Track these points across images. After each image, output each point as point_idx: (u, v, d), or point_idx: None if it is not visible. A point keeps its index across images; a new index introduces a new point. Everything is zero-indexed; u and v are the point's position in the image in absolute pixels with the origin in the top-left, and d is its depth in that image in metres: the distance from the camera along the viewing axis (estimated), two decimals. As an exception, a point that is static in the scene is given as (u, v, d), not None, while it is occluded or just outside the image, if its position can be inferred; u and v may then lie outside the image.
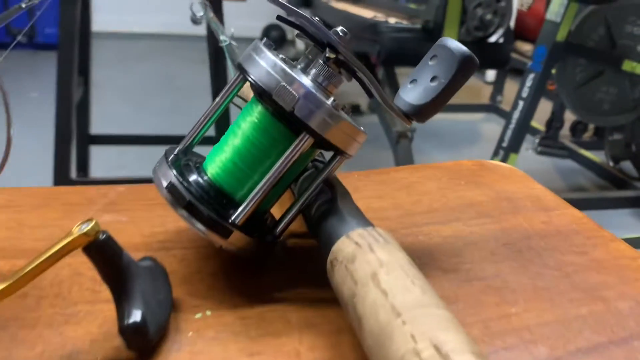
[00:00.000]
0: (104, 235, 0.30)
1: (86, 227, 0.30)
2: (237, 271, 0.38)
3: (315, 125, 0.34)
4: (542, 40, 2.18)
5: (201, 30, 1.66)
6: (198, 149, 0.42)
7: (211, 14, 1.07)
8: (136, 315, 0.30)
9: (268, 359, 0.31)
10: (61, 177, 1.56)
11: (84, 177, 1.87)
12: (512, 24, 3.04)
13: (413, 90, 0.41)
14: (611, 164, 2.64)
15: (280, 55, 0.37)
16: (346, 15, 2.34)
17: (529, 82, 2.16)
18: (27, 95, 2.96)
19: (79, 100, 1.74)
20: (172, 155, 0.38)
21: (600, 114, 2.42)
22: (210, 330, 0.33)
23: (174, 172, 0.36)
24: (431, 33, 1.90)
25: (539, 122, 2.79)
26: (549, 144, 2.84)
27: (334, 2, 2.57)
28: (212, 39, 1.62)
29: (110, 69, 3.24)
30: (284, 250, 0.41)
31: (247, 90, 0.41)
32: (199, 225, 0.35)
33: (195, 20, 1.12)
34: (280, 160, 0.35)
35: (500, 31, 2.37)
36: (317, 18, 0.38)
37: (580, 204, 2.19)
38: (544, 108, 2.61)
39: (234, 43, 0.85)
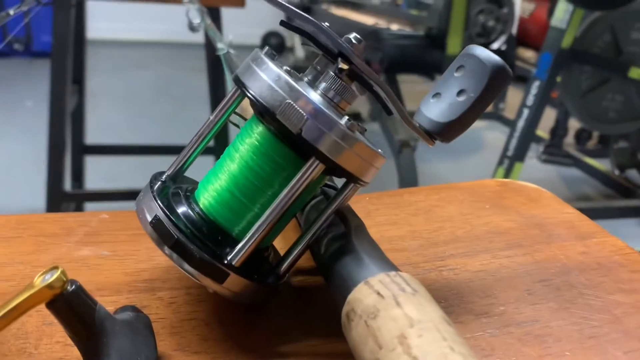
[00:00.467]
0: (73, 287, 0.25)
1: (50, 278, 0.24)
2: (235, 318, 0.33)
3: (327, 149, 0.29)
4: (547, 47, 2.13)
5: (199, 37, 1.61)
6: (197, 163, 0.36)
7: (208, 21, 1.02)
8: (110, 386, 0.24)
9: None
10: (54, 189, 1.50)
11: (78, 189, 1.82)
12: (514, 30, 3.00)
13: (437, 105, 0.35)
14: (617, 172, 2.59)
15: (285, 67, 0.31)
16: (347, 22, 2.29)
17: (534, 90, 2.11)
18: (22, 103, 2.91)
19: (73, 109, 1.69)
20: (159, 183, 0.33)
21: (606, 121, 2.37)
22: (203, 397, 0.27)
23: (160, 204, 0.30)
24: (435, 40, 1.85)
25: (542, 130, 2.74)
26: (553, 152, 2.79)
27: (334, 8, 2.53)
28: (210, 46, 1.57)
29: (106, 77, 3.19)
30: (290, 291, 0.36)
31: (246, 107, 0.36)
32: (189, 268, 0.29)
33: (192, 28, 1.07)
34: (285, 191, 0.30)
35: (503, 38, 2.33)
36: (326, 24, 0.33)
37: (586, 214, 2.14)
38: (548, 116, 2.56)
39: (232, 51, 0.80)
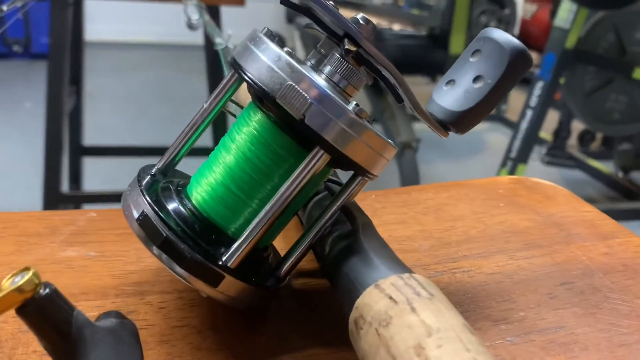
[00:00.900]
0: (47, 291, 0.22)
1: (20, 280, 0.22)
2: (231, 324, 0.30)
3: (333, 138, 0.26)
4: (551, 48, 2.10)
5: (198, 39, 1.59)
6: (188, 163, 0.34)
7: (207, 17, 0.99)
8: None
9: None
10: (51, 190, 1.48)
11: (76, 190, 1.79)
12: (516, 32, 2.98)
13: (450, 93, 0.33)
14: (620, 174, 2.56)
15: (286, 48, 0.29)
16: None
17: (537, 91, 2.09)
18: (21, 105, 2.89)
19: (71, 110, 1.66)
20: (148, 177, 0.30)
21: (610, 123, 2.34)
22: (194, 414, 0.24)
23: (147, 199, 0.28)
24: (437, 40, 1.82)
25: (545, 131, 2.72)
26: (557, 154, 2.76)
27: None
28: (209, 48, 1.54)
29: (105, 78, 3.16)
30: (291, 295, 0.33)
31: (243, 94, 0.33)
32: (179, 269, 0.26)
33: (191, 26, 1.04)
34: (287, 184, 0.27)
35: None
36: (331, 2, 0.30)
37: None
38: (551, 117, 2.53)
39: (230, 46, 0.77)
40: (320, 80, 0.28)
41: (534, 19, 3.68)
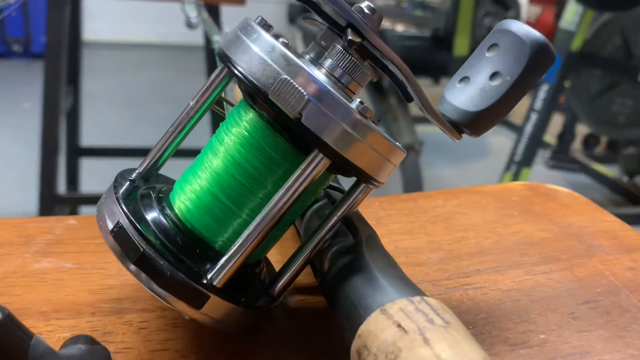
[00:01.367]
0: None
1: (-33, 304, 0.18)
2: (218, 347, 0.27)
3: (333, 140, 0.23)
4: (556, 50, 2.05)
5: (197, 39, 1.56)
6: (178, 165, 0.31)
7: (205, 15, 0.96)
8: None
9: None
10: (47, 192, 1.45)
11: (73, 192, 1.76)
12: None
13: (464, 91, 0.29)
14: (625, 179, 2.53)
15: (281, 39, 0.26)
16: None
17: (542, 94, 2.05)
18: (19, 105, 2.86)
19: (68, 110, 1.63)
20: (126, 183, 0.27)
21: (615, 126, 2.31)
22: None
23: (123, 207, 0.24)
24: (441, 41, 1.79)
25: (549, 135, 2.68)
26: (561, 157, 2.73)
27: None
28: (209, 48, 1.51)
29: (103, 79, 3.14)
30: (285, 314, 0.30)
31: (235, 91, 0.30)
32: (158, 289, 0.23)
33: (189, 24, 1.01)
34: (281, 192, 0.24)
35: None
36: (333, -10, 0.27)
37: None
38: (555, 121, 2.50)
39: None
40: (319, 74, 0.25)
41: (538, 21, 3.65)
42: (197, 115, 0.28)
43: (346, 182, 0.30)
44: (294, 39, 3.71)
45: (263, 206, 0.24)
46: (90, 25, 2.02)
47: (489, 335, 0.29)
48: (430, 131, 3.00)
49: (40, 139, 1.43)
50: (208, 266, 0.24)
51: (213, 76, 0.27)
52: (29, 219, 0.36)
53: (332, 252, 0.27)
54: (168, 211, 0.26)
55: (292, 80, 0.22)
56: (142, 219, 0.25)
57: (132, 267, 0.23)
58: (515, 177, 2.12)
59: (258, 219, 0.24)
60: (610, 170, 2.59)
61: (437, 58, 1.80)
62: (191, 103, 0.28)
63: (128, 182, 0.27)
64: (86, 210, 1.81)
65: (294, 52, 0.26)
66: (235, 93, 0.30)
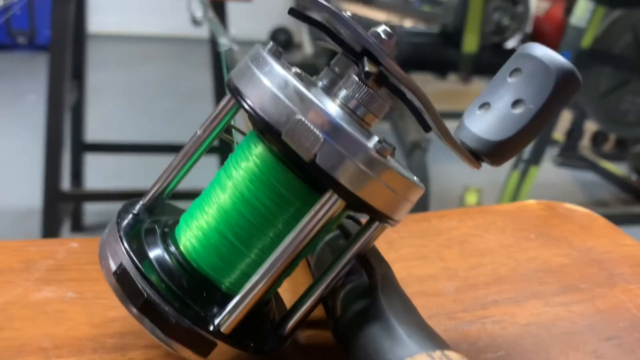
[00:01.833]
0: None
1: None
2: (226, 390, 0.26)
3: (349, 181, 0.21)
4: (566, 47, 2.04)
5: (204, 32, 1.54)
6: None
7: (211, 14, 0.95)
8: None
9: None
10: (51, 189, 1.44)
11: (77, 188, 1.75)
12: (529, 29, 2.91)
13: (485, 118, 0.28)
14: (634, 177, 2.50)
15: (294, 69, 0.24)
16: (357, 18, 2.20)
17: (551, 91, 2.02)
18: (24, 98, 2.85)
19: (72, 105, 1.62)
20: (129, 217, 0.26)
21: (625, 124, 2.28)
22: None
23: (126, 247, 0.23)
24: (450, 38, 1.77)
25: (557, 131, 2.66)
26: (569, 155, 2.70)
27: (343, 3, 2.44)
28: (215, 41, 1.49)
29: (108, 72, 3.12)
30: (296, 351, 0.28)
31: (245, 119, 0.28)
32: (163, 336, 0.22)
33: (195, 21, 1.00)
34: (293, 235, 0.22)
35: (518, 36, 2.25)
36: (348, 13, 0.25)
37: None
38: (563, 118, 2.48)
39: (235, 48, 0.73)
40: (334, 107, 0.23)
41: (547, 15, 3.60)
42: (204, 145, 0.26)
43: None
44: (300, 33, 3.69)
45: (273, 246, 0.23)
46: (95, 17, 2.00)
47: (508, 376, 0.27)
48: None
49: (45, 136, 1.42)
50: (215, 310, 0.23)
51: (222, 104, 0.26)
52: (29, 242, 0.35)
53: (346, 292, 0.25)
54: (173, 248, 0.25)
55: (306, 121, 0.21)
56: (145, 258, 0.24)
57: (135, 311, 0.22)
58: (523, 176, 2.10)
59: (269, 261, 0.23)
60: (618, 168, 2.57)
61: (445, 55, 1.77)
62: (198, 132, 0.26)
63: (131, 217, 0.26)
64: (90, 207, 1.81)
65: (308, 80, 0.25)
66: (246, 121, 0.29)
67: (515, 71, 0.28)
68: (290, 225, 0.23)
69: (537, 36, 3.50)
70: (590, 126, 2.71)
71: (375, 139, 0.22)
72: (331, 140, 0.21)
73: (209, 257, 0.24)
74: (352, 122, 0.23)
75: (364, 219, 0.26)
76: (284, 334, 0.25)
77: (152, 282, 0.22)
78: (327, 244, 0.29)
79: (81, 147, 1.79)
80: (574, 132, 2.70)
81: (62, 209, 1.51)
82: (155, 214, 0.27)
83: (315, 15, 0.26)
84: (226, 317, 0.23)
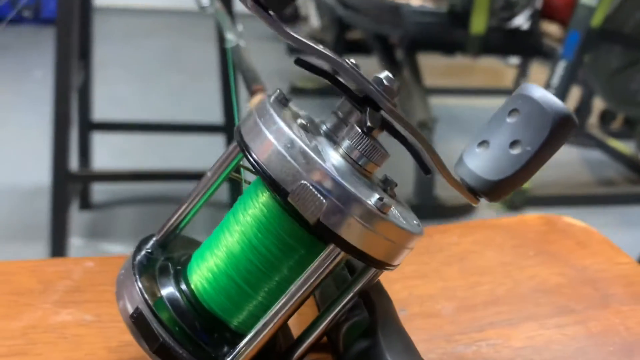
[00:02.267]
0: None
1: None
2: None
3: (350, 237, 0.23)
4: (575, 26, 2.02)
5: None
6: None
7: (218, 4, 0.95)
8: None
9: None
10: (59, 170, 1.45)
11: (85, 168, 1.77)
12: (538, 4, 2.87)
13: (483, 157, 0.29)
14: (642, 155, 2.50)
15: (299, 120, 0.25)
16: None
17: (560, 71, 2.02)
18: (30, 73, 2.86)
19: (80, 86, 1.62)
20: (143, 254, 0.27)
21: (634, 104, 2.27)
22: None
23: (142, 290, 0.25)
24: (458, 17, 1.75)
25: (565, 109, 2.64)
26: (576, 133, 2.69)
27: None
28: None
29: (115, 46, 3.11)
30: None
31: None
32: (177, 376, 0.24)
33: (201, 8, 1.00)
34: (298, 283, 0.24)
35: (527, 12, 2.22)
36: (352, 61, 0.26)
37: (608, 200, 2.07)
38: (571, 94, 2.46)
39: (242, 44, 0.73)
40: (337, 159, 0.25)
41: (557, -10, 3.55)
42: (214, 186, 0.28)
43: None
44: (307, 6, 3.65)
45: (280, 289, 0.25)
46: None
47: (501, 403, 0.29)
48: (444, 104, 2.97)
49: (53, 117, 1.43)
50: (225, 349, 0.25)
51: (230, 149, 0.27)
52: (46, 262, 0.37)
53: (348, 327, 0.27)
54: (184, 287, 0.26)
55: (311, 187, 0.22)
56: (159, 298, 0.25)
57: (151, 352, 0.24)
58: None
59: (277, 306, 0.24)
60: (626, 147, 2.56)
61: (453, 35, 1.76)
62: (208, 174, 0.28)
63: (146, 256, 0.27)
64: (97, 187, 1.83)
65: (313, 126, 0.26)
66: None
67: (513, 111, 0.29)
68: (295, 270, 0.25)
69: (547, 12, 3.45)
70: (599, 104, 2.69)
71: (376, 196, 0.23)
72: (335, 200, 0.22)
73: (219, 299, 0.26)
74: (354, 173, 0.25)
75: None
76: (292, 365, 0.27)
77: (167, 326, 0.24)
78: (333, 282, 0.30)
79: (88, 126, 1.80)
80: (582, 110, 2.69)
81: (70, 189, 1.53)
82: (169, 249, 0.29)
83: (320, 63, 0.27)
84: (236, 358, 0.24)
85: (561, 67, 2.01)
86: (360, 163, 0.25)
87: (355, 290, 0.26)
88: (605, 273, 0.39)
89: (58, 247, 1.48)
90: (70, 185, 1.52)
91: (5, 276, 0.35)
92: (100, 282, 0.35)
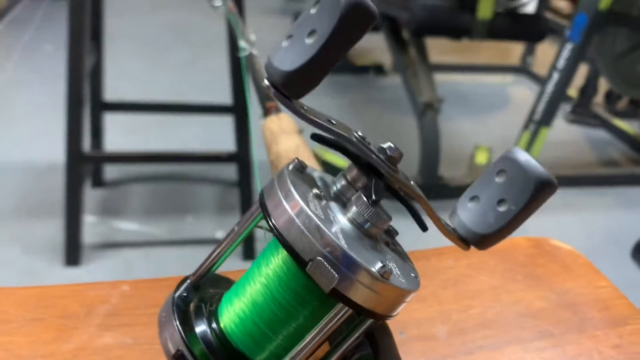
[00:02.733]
0: None
1: None
2: None
3: (357, 298, 0.27)
4: (583, 8, 2.02)
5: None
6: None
7: (230, 3, 0.98)
8: None
9: None
10: (73, 151, 1.50)
11: (97, 150, 1.81)
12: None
13: (474, 211, 0.33)
14: (646, 136, 2.52)
15: (314, 190, 0.29)
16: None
17: (566, 53, 2.03)
18: (41, 48, 2.88)
19: (92, 67, 1.66)
20: (181, 295, 0.32)
21: (638, 86, 2.28)
22: None
23: (182, 334, 0.29)
24: (465, 2, 1.77)
25: (572, 87, 2.66)
26: (581, 112, 2.71)
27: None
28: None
29: (123, 19, 3.12)
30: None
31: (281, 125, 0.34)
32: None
33: (213, 7, 1.02)
34: (312, 334, 0.28)
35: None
36: (359, 133, 0.30)
37: (611, 180, 2.10)
38: (578, 73, 2.47)
39: (254, 52, 0.77)
40: (346, 224, 0.29)
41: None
42: (240, 238, 0.32)
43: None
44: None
45: (298, 333, 0.29)
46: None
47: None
48: (450, 81, 2.99)
49: (66, 99, 1.47)
50: (250, 384, 0.30)
51: (254, 208, 0.31)
52: (86, 285, 0.41)
53: (354, 360, 0.32)
54: (215, 326, 0.31)
55: (326, 263, 0.26)
56: (194, 335, 0.30)
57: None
58: (534, 137, 2.13)
59: (295, 350, 0.29)
60: (631, 127, 2.58)
61: (460, 20, 1.77)
62: (235, 229, 0.32)
63: (182, 299, 0.32)
64: (109, 166, 1.88)
65: (326, 191, 0.30)
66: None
67: (501, 172, 0.33)
68: (310, 318, 0.29)
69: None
70: (605, 83, 2.70)
71: (379, 264, 0.27)
72: (345, 271, 0.27)
73: (245, 340, 0.30)
74: (360, 236, 0.29)
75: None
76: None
77: (202, 365, 0.29)
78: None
79: (100, 106, 1.84)
80: (588, 89, 2.70)
81: (84, 169, 1.58)
82: (201, 288, 0.33)
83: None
84: (262, 392, 0.29)
85: (567, 49, 2.02)
86: (365, 227, 0.29)
87: (361, 331, 0.31)
88: (585, 297, 0.44)
89: (72, 225, 1.54)
90: (84, 166, 1.57)
91: (53, 300, 0.40)
92: (135, 305, 0.40)
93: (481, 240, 0.33)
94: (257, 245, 1.56)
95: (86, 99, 1.54)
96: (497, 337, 0.40)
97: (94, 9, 1.60)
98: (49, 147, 1.90)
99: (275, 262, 0.30)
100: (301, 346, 0.28)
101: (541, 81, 2.14)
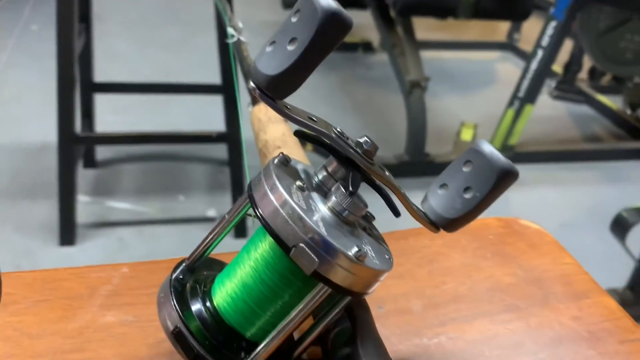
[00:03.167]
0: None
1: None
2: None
3: (335, 279, 0.31)
4: (568, -15, 2.04)
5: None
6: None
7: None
8: None
9: None
10: (65, 133, 1.52)
11: (90, 131, 1.83)
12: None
13: (443, 198, 0.37)
14: (628, 111, 2.57)
15: (297, 183, 0.33)
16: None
17: (550, 30, 2.05)
18: (27, 28, 2.86)
19: (81, 49, 1.66)
20: (177, 277, 0.35)
21: (621, 63, 2.32)
22: None
23: (180, 314, 0.33)
24: (451, -19, 1.78)
25: (556, 63, 2.69)
26: (565, 88, 2.75)
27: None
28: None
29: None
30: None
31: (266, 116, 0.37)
32: (207, 379, 0.32)
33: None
34: (296, 311, 0.32)
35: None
36: (338, 129, 0.34)
37: (594, 156, 2.15)
38: (563, 49, 2.50)
39: (242, 39, 0.79)
40: (326, 212, 0.32)
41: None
42: (231, 225, 0.35)
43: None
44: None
45: (283, 310, 0.33)
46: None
47: (453, 386, 0.38)
48: (436, 58, 3.01)
49: (57, 81, 1.48)
50: (242, 355, 0.33)
51: (243, 198, 0.34)
52: (89, 269, 0.44)
53: (335, 333, 0.35)
54: (209, 304, 0.34)
55: (307, 249, 0.30)
56: (190, 312, 0.33)
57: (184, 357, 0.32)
58: (518, 114, 2.17)
59: (282, 325, 0.32)
60: (614, 103, 2.62)
61: (445, 0, 1.79)
62: (226, 217, 0.35)
63: (178, 280, 0.35)
64: (101, 150, 1.90)
65: (308, 182, 0.34)
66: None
67: (467, 162, 0.36)
68: (295, 297, 0.33)
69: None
70: (589, 59, 2.73)
71: (355, 248, 0.31)
72: (325, 255, 0.30)
73: (236, 317, 0.34)
74: (339, 223, 0.32)
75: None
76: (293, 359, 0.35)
77: (199, 340, 0.32)
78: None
79: (90, 88, 1.85)
80: (573, 65, 2.73)
81: (76, 150, 1.60)
82: (196, 270, 0.37)
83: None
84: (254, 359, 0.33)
85: (551, 27, 2.04)
86: (344, 215, 0.33)
87: (341, 307, 0.34)
88: (550, 273, 0.47)
89: (66, 206, 1.57)
90: (76, 148, 1.59)
91: (58, 282, 0.43)
92: (135, 286, 0.43)
93: (449, 223, 0.36)
94: (247, 223, 1.59)
95: (76, 80, 1.55)
96: (467, 311, 0.43)
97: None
98: (41, 127, 1.92)
99: (262, 248, 0.33)
100: (286, 321, 0.32)
101: (527, 57, 2.17)
